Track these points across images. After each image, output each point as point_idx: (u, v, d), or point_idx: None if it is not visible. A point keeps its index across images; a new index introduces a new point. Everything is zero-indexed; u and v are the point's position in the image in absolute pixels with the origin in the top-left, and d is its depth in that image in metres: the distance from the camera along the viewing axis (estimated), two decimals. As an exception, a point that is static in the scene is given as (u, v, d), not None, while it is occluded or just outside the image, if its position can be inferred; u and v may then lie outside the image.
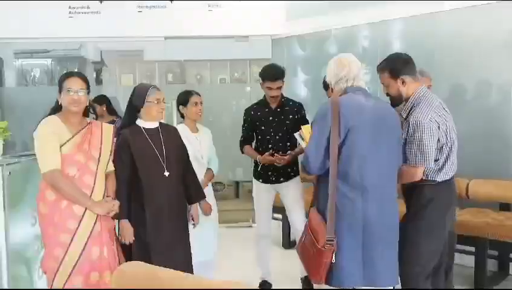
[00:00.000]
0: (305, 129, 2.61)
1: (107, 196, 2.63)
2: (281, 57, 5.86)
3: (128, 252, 2.78)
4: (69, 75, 2.61)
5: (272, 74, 3.59)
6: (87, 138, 2.61)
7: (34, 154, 2.56)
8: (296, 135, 2.69)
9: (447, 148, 2.64)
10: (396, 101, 2.71)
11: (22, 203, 2.91)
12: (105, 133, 2.71)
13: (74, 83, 2.57)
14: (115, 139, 2.78)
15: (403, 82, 2.65)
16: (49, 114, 2.60)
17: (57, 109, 2.60)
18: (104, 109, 5.08)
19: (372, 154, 2.34)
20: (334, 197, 2.31)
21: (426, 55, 4.37)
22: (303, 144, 2.57)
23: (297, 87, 5.82)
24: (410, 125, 2.54)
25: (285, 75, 3.64)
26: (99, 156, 2.63)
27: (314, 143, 2.34)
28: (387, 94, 2.75)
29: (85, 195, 2.53)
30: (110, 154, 2.70)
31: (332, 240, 2.28)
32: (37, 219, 2.61)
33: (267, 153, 3.59)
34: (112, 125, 2.80)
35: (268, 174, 3.72)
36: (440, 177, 2.64)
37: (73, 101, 2.55)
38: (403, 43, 4.80)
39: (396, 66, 2.67)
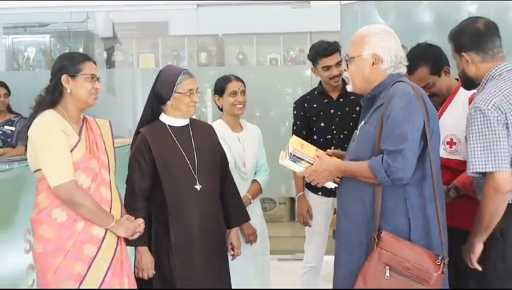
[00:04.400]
0: (295, 142, 2.63)
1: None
2: (353, 28, 5.71)
3: (145, 290, 2.84)
4: (86, 57, 2.69)
5: (324, 47, 3.69)
6: (91, 137, 2.68)
7: (27, 160, 2.65)
8: (287, 161, 2.60)
9: None
10: (467, 84, 2.72)
11: (11, 224, 2.96)
12: (104, 131, 2.79)
13: (94, 68, 2.67)
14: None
15: (467, 61, 2.65)
16: (42, 107, 2.61)
17: (55, 99, 2.63)
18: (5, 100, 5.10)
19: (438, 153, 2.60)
20: (441, 207, 2.48)
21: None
22: (299, 169, 2.58)
23: (376, 70, 5.74)
24: (469, 116, 2.50)
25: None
26: (108, 161, 2.71)
27: (412, 140, 2.44)
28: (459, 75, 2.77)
29: (107, 213, 2.62)
30: (115, 159, 2.78)
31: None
32: (32, 244, 2.69)
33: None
34: (107, 121, 2.86)
35: None
36: None
37: (96, 91, 2.65)
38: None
39: (458, 38, 2.65)
